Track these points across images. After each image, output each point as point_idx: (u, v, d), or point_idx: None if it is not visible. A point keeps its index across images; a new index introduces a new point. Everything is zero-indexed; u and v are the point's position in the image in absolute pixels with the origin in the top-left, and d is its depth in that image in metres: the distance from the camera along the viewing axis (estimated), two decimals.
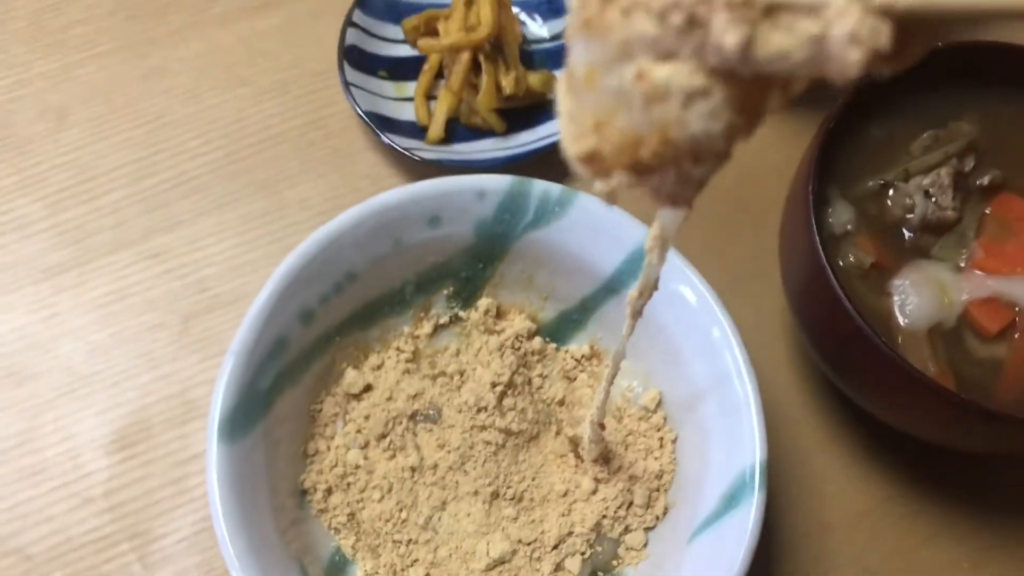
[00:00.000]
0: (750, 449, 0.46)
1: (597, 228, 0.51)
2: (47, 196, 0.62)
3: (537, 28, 0.67)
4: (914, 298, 0.47)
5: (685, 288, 0.49)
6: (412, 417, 0.52)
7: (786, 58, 0.20)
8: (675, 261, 0.49)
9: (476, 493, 0.50)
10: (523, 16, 0.67)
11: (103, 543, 0.52)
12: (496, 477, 0.51)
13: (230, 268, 0.60)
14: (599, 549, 0.50)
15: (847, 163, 0.50)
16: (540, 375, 0.55)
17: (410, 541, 0.50)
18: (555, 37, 0.67)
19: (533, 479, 0.51)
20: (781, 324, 0.59)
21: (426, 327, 0.55)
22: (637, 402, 0.54)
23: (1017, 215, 0.49)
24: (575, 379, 0.55)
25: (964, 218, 0.50)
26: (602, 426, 0.48)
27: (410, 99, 0.64)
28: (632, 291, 0.37)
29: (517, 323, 0.55)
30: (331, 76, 0.65)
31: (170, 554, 0.52)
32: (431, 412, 0.52)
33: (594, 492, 0.51)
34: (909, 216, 0.50)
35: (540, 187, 0.52)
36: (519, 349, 0.54)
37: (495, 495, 0.51)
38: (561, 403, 0.54)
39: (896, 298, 0.48)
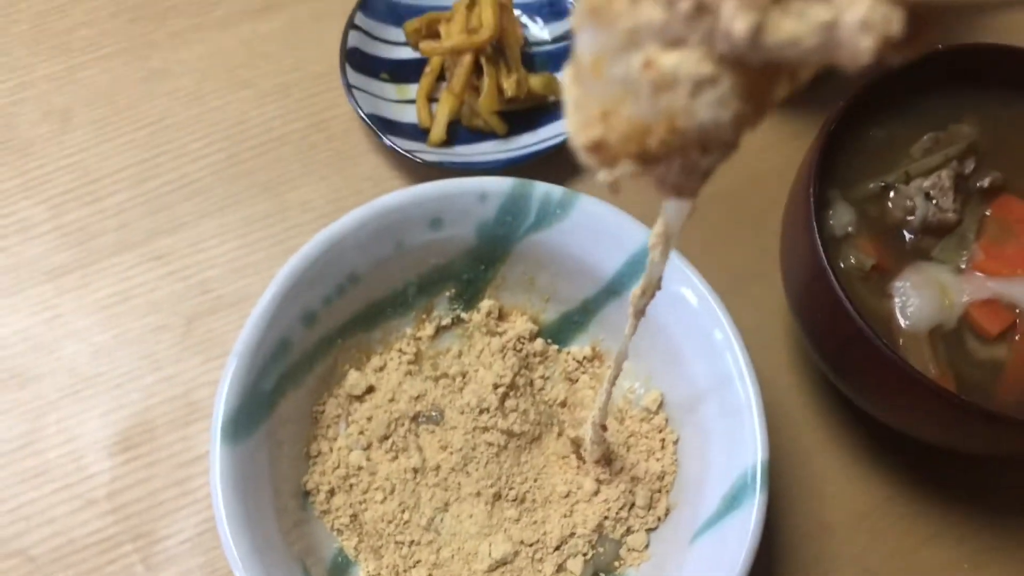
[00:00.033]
0: (751, 450, 0.46)
1: (598, 230, 0.52)
2: (50, 198, 0.62)
3: (538, 30, 0.67)
4: (915, 300, 0.48)
5: (686, 290, 0.50)
6: (414, 418, 0.52)
7: (797, 45, 0.20)
8: (676, 263, 0.50)
9: (478, 494, 0.51)
10: (524, 18, 0.67)
11: (106, 544, 0.53)
12: (498, 478, 0.51)
13: (232, 270, 0.60)
14: (601, 550, 0.50)
15: (848, 165, 0.51)
16: (542, 376, 0.55)
17: (412, 542, 0.50)
18: (557, 39, 0.67)
19: (535, 480, 0.51)
20: (782, 326, 0.59)
21: (428, 329, 0.55)
22: (639, 403, 0.54)
23: (1017, 217, 0.50)
24: (577, 381, 0.55)
25: (964, 220, 0.50)
26: (604, 427, 0.48)
27: (412, 101, 0.64)
28: (635, 289, 0.36)
29: (519, 325, 0.55)
30: (333, 78, 0.65)
31: (173, 555, 0.52)
32: (433, 413, 0.53)
33: (596, 493, 0.51)
34: (910, 218, 0.50)
35: (542, 189, 0.52)
36: (521, 351, 0.54)
37: (497, 496, 0.51)
38: (563, 404, 0.54)
39: (897, 300, 0.48)
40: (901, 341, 0.47)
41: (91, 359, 0.57)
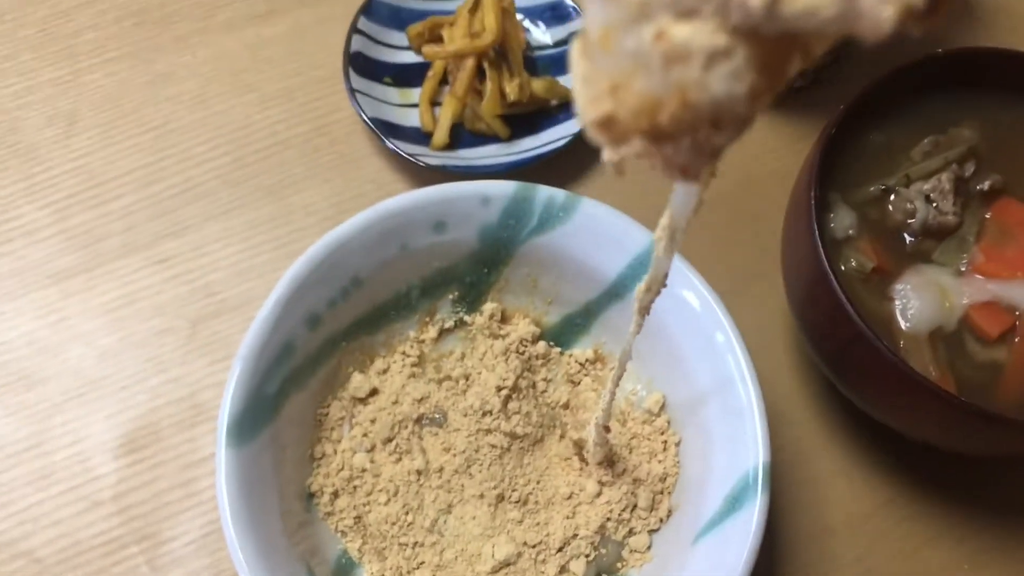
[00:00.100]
0: (753, 452, 0.46)
1: (601, 233, 0.52)
2: (56, 202, 0.62)
3: (541, 34, 0.68)
4: (915, 302, 0.48)
5: (688, 293, 0.50)
6: (418, 421, 0.53)
7: (815, 15, 0.19)
8: (678, 265, 0.50)
9: (481, 496, 0.51)
10: (527, 23, 0.67)
11: (112, 546, 0.53)
12: (501, 480, 0.51)
13: (237, 273, 0.60)
14: (603, 551, 0.50)
15: (848, 168, 0.51)
16: (544, 379, 0.55)
17: (416, 544, 0.50)
18: (558, 43, 0.67)
19: (538, 482, 0.52)
20: (783, 328, 0.60)
21: (431, 331, 0.56)
22: (641, 406, 0.54)
23: (1017, 220, 0.50)
24: (579, 383, 0.56)
25: (964, 223, 0.50)
26: (607, 429, 0.48)
27: (415, 105, 0.65)
28: (640, 285, 0.36)
29: (522, 327, 0.55)
30: (336, 82, 0.65)
31: (179, 557, 0.53)
32: (437, 416, 0.53)
33: (598, 495, 0.51)
34: (910, 221, 0.50)
35: (544, 192, 0.52)
36: (524, 353, 0.55)
37: (500, 498, 0.51)
38: (565, 407, 0.55)
39: (897, 302, 0.48)
40: (902, 343, 0.47)
41: (97, 362, 0.57)
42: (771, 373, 0.57)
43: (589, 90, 0.23)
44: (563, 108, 0.64)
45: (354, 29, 0.64)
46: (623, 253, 0.52)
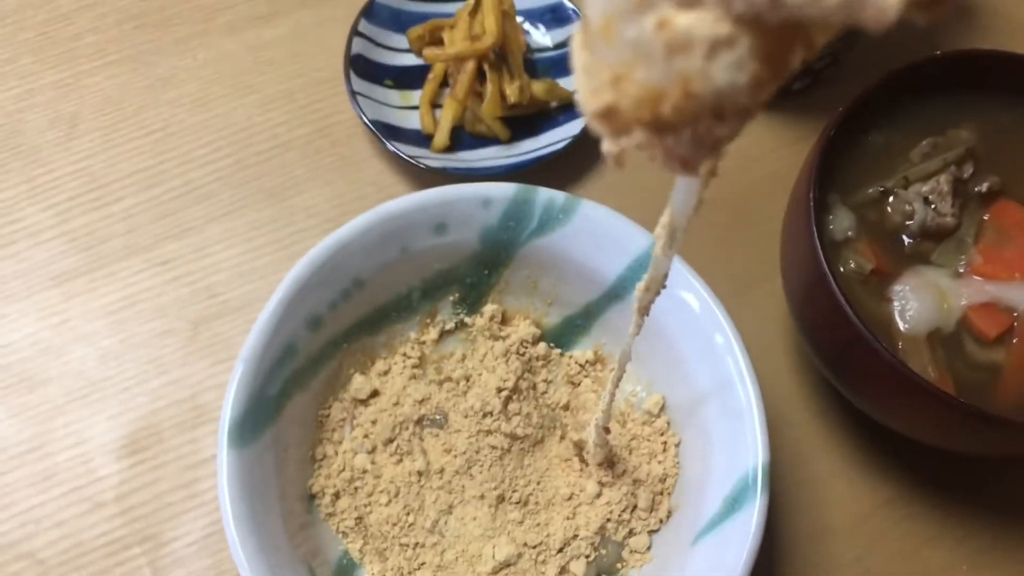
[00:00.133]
0: (752, 453, 0.46)
1: (601, 235, 0.52)
2: (58, 204, 0.63)
3: (540, 37, 0.68)
4: (914, 303, 0.48)
5: (688, 294, 0.50)
6: (419, 422, 0.53)
7: (819, 2, 0.19)
8: (678, 267, 0.50)
9: (482, 497, 0.51)
10: (527, 25, 0.68)
11: (114, 547, 0.53)
12: (502, 481, 0.51)
13: (238, 274, 0.61)
14: (603, 552, 0.51)
15: (847, 170, 0.51)
16: (545, 380, 0.55)
17: (417, 544, 0.51)
18: (558, 46, 0.67)
19: (538, 483, 0.52)
20: (783, 329, 0.60)
21: (432, 333, 0.56)
22: (641, 407, 0.54)
23: (1015, 221, 0.50)
24: (579, 384, 0.56)
25: (963, 224, 0.50)
26: (607, 430, 0.49)
27: (415, 107, 0.65)
28: (640, 284, 0.36)
29: (522, 329, 0.56)
30: (337, 85, 0.66)
31: (180, 557, 0.53)
32: (437, 417, 0.53)
33: (598, 496, 0.51)
34: (909, 223, 0.50)
35: (544, 195, 0.52)
36: (524, 354, 0.55)
37: (501, 499, 0.51)
38: (565, 408, 0.55)
39: (896, 304, 0.49)
40: (900, 344, 0.48)
41: (99, 363, 0.58)
42: (771, 374, 0.57)
43: (591, 81, 0.23)
44: (563, 110, 0.65)
45: (355, 32, 0.65)
46: (623, 255, 0.52)
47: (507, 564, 0.50)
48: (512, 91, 0.62)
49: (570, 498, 0.52)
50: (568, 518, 0.51)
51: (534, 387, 0.54)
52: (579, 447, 0.52)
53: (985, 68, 0.52)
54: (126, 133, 0.65)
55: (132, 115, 0.66)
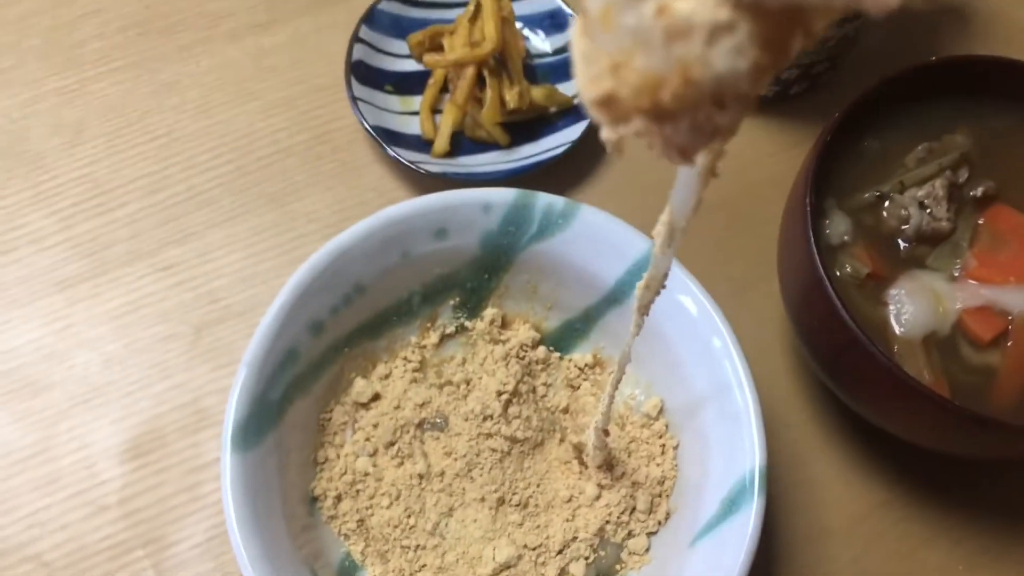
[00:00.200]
0: (750, 455, 0.47)
1: (599, 240, 0.53)
2: (62, 210, 0.63)
3: (540, 42, 0.68)
4: (909, 307, 0.49)
5: (686, 298, 0.50)
6: (419, 425, 0.53)
7: None
8: (676, 272, 0.50)
9: (482, 499, 0.52)
10: (526, 31, 0.68)
11: (118, 550, 0.54)
12: (502, 484, 0.52)
13: (240, 279, 0.61)
14: (603, 554, 0.51)
15: (844, 175, 0.52)
16: (544, 384, 0.56)
17: (418, 547, 0.51)
18: (557, 51, 0.68)
19: (538, 485, 0.52)
20: (780, 333, 0.60)
21: (433, 337, 0.56)
22: (639, 410, 0.55)
23: (1010, 226, 0.50)
24: (578, 387, 0.56)
25: (958, 229, 0.51)
26: (606, 432, 0.49)
27: (416, 113, 0.65)
28: (640, 283, 0.36)
29: (522, 333, 0.56)
30: (338, 91, 0.66)
31: (184, 560, 0.53)
32: (438, 420, 0.54)
33: (598, 498, 0.52)
34: (904, 227, 0.51)
35: (544, 200, 0.53)
36: (524, 358, 0.55)
37: (501, 501, 0.52)
38: (565, 411, 0.55)
39: (892, 307, 0.49)
40: (896, 348, 0.48)
41: (102, 368, 0.58)
42: (768, 377, 0.57)
43: (589, 69, 0.22)
44: (562, 116, 0.65)
45: (355, 38, 0.65)
46: (622, 259, 0.53)
47: (507, 566, 0.50)
48: (512, 97, 0.62)
49: (569, 500, 0.52)
50: (567, 520, 0.51)
51: (534, 390, 0.55)
52: (578, 450, 0.52)
53: (981, 73, 0.53)
54: (130, 139, 0.66)
55: (136, 121, 0.66)
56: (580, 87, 0.23)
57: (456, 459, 0.52)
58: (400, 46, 0.67)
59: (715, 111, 0.22)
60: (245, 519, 0.45)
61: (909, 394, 0.44)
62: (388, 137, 0.62)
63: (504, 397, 0.52)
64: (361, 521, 0.51)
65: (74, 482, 0.55)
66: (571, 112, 0.65)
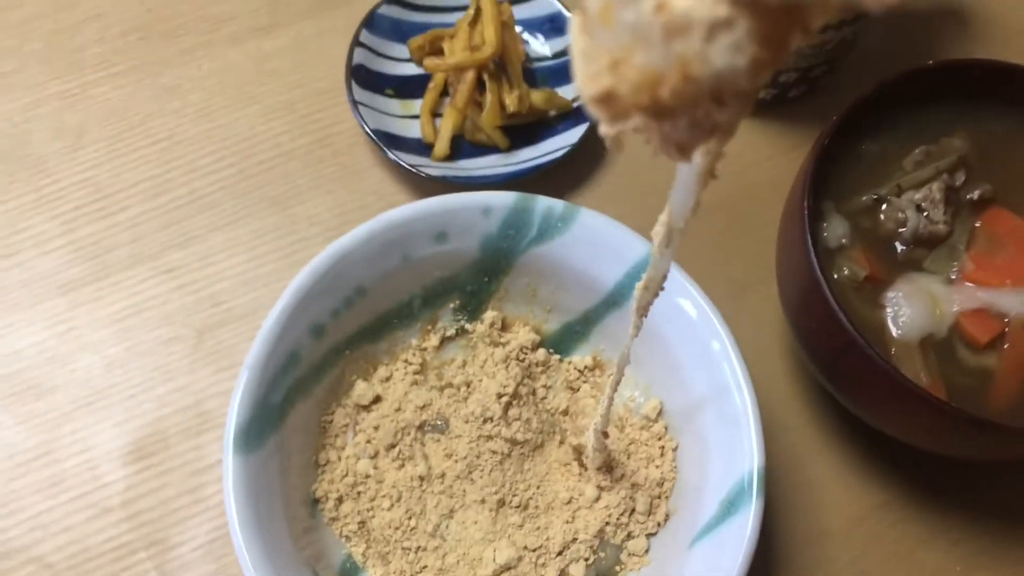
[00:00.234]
0: (748, 457, 0.47)
1: (599, 243, 0.53)
2: (64, 213, 0.63)
3: (539, 46, 0.69)
4: (907, 310, 0.49)
5: (685, 301, 0.51)
6: (420, 427, 0.54)
7: None
8: (675, 274, 0.51)
9: (483, 501, 0.52)
10: (526, 35, 0.69)
11: (121, 552, 0.54)
12: (502, 485, 0.52)
13: (242, 282, 0.61)
14: (602, 555, 0.51)
15: (841, 178, 0.52)
16: (544, 386, 0.56)
17: (419, 548, 0.51)
18: (557, 55, 0.68)
19: (538, 487, 0.53)
20: (778, 336, 0.61)
21: (433, 340, 0.57)
22: (639, 412, 0.55)
23: (1006, 228, 0.51)
24: (578, 390, 0.57)
25: (955, 232, 0.51)
26: (606, 435, 0.49)
27: (416, 117, 0.66)
28: (639, 284, 0.36)
29: (522, 335, 0.56)
30: (339, 94, 0.66)
31: (186, 562, 0.54)
32: (439, 422, 0.54)
33: (597, 499, 0.52)
34: (901, 230, 0.51)
35: (544, 203, 0.53)
36: (524, 361, 0.55)
37: (501, 503, 0.52)
38: (565, 413, 0.56)
39: (889, 310, 0.49)
40: (893, 350, 0.48)
41: (105, 371, 0.58)
42: (766, 378, 0.58)
43: (589, 66, 0.22)
44: (562, 119, 0.65)
45: (356, 42, 0.65)
46: (621, 262, 0.53)
47: (507, 567, 0.51)
48: (511, 100, 0.62)
49: (569, 502, 0.52)
50: (567, 522, 0.52)
51: (534, 393, 0.55)
52: (578, 452, 0.52)
53: (978, 77, 0.53)
54: (131, 143, 0.66)
55: (137, 125, 0.67)
56: (579, 84, 0.23)
57: (456, 461, 0.52)
58: (400, 50, 0.67)
59: (714, 108, 0.22)
60: (247, 521, 0.45)
61: (906, 396, 0.45)
62: (389, 141, 0.63)
63: (504, 399, 0.53)
64: (362, 523, 0.52)
65: (77, 484, 0.55)
66: (571, 116, 0.65)
